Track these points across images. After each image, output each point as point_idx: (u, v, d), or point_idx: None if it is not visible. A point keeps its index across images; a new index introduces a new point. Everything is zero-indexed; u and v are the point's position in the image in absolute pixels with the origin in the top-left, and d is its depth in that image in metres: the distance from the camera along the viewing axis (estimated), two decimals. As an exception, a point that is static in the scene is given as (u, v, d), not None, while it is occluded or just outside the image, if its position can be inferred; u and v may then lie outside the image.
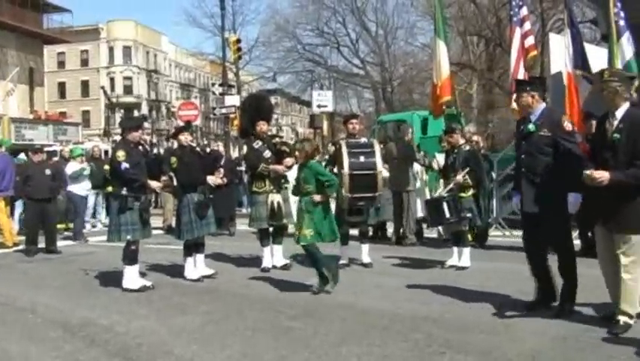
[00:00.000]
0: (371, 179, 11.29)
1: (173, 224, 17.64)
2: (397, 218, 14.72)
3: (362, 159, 11.34)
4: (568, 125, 7.83)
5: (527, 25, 14.58)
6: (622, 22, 12.39)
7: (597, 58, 14.13)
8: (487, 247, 13.66)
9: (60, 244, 16.30)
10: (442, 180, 12.23)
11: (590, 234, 11.98)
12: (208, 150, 12.78)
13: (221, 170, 11.73)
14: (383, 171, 12.27)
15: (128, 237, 10.20)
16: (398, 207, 14.58)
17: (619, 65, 12.23)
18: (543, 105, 7.99)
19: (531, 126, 7.86)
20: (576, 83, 13.13)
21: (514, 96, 9.06)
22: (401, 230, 14.71)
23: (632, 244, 6.94)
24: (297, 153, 10.01)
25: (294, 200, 11.93)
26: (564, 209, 7.59)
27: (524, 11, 14.48)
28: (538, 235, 7.96)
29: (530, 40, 14.43)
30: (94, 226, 20.67)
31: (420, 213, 14.62)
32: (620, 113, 7.04)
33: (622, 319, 6.95)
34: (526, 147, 7.91)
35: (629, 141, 6.87)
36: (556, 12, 41.76)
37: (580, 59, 13.22)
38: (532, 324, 7.37)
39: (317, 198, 9.47)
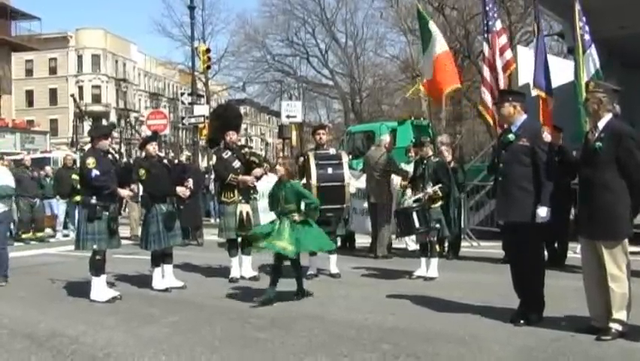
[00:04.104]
0: (338, 191, 11.32)
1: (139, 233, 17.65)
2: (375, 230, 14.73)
3: (330, 170, 11.38)
4: (547, 137, 7.93)
5: (504, 39, 14.63)
6: (587, 37, 12.56)
7: (563, 71, 14.31)
8: (456, 258, 13.73)
9: (26, 253, 16.20)
10: (409, 191, 12.25)
11: (556, 245, 12.13)
12: (176, 161, 12.71)
13: (190, 180, 11.69)
14: (355, 182, 12.33)
15: (94, 246, 10.11)
16: (375, 220, 14.61)
17: (585, 77, 12.39)
18: (524, 116, 8.07)
19: (511, 136, 7.95)
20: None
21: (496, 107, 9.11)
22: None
23: (616, 253, 7.05)
24: (278, 167, 9.95)
25: (261, 209, 11.97)
26: (535, 219, 7.66)
27: (499, 24, 14.52)
28: (514, 244, 8.05)
29: (508, 55, 14.46)
30: (66, 235, 20.55)
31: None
32: (602, 123, 7.17)
33: (614, 326, 7.03)
34: (505, 157, 7.99)
35: (609, 149, 7.00)
36: (524, 25, 42.14)
37: (542, 77, 13.35)
38: (500, 334, 7.41)
39: (298, 218, 9.44)
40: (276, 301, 9.37)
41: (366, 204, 14.95)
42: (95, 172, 9.97)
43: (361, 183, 14.87)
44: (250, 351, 7.16)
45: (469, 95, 46.68)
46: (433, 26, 14.95)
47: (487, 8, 14.54)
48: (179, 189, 11.13)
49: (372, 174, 14.29)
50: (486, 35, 14.74)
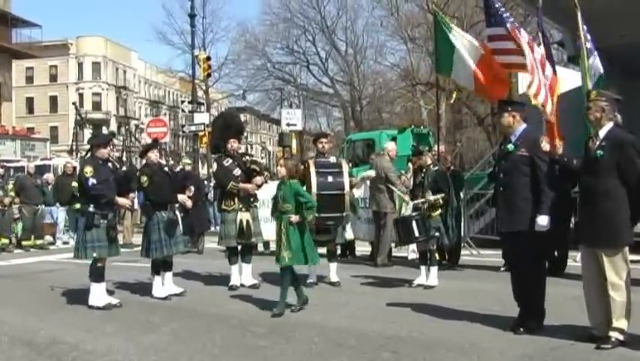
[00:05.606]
0: (338, 199, 11.33)
1: (133, 241, 17.66)
2: (376, 239, 14.65)
3: (330, 179, 11.39)
4: (545, 146, 7.93)
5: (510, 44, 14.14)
6: (588, 45, 12.52)
7: (564, 79, 14.24)
8: (456, 266, 13.69)
9: (26, 260, 16.20)
10: (409, 200, 12.24)
11: (556, 253, 12.12)
12: (177, 168, 12.74)
13: (192, 188, 11.71)
14: (356, 190, 12.28)
15: (94, 254, 10.11)
16: (377, 229, 14.54)
17: (590, 83, 12.35)
18: (524, 126, 8.09)
19: (510, 146, 7.98)
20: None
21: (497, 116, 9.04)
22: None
23: (617, 261, 7.06)
24: (278, 168, 9.99)
25: (262, 217, 11.98)
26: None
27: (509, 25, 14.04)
28: (516, 253, 8.06)
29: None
30: (66, 243, 20.55)
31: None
32: (603, 132, 7.19)
33: (614, 335, 7.03)
34: (505, 167, 8.02)
35: (611, 157, 7.02)
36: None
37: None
38: (499, 343, 7.41)
39: (294, 218, 9.39)
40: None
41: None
42: (92, 181, 9.96)
43: (362, 191, 14.90)
44: (249, 359, 7.16)
45: (469, 103, 46.70)
46: (458, 33, 14.46)
47: (497, 5, 13.84)
48: (181, 197, 11.16)
49: (375, 182, 14.27)
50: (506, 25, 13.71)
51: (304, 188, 11.08)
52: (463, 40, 14.12)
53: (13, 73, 66.89)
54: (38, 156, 44.59)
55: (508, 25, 12.73)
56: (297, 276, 9.70)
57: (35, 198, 20.35)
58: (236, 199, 11.49)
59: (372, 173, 14.07)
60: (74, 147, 59.51)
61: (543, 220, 7.57)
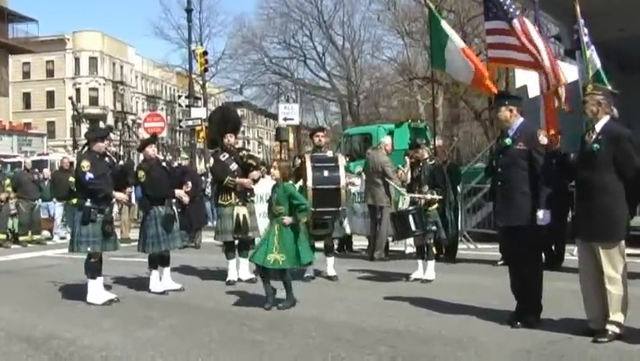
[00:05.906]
0: (334, 193, 11.32)
1: (130, 236, 17.64)
2: (373, 233, 14.64)
3: (326, 173, 11.37)
4: (543, 139, 7.93)
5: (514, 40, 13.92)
6: (586, 39, 12.50)
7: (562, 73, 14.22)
8: (453, 260, 13.69)
9: (23, 256, 16.17)
10: (406, 194, 12.25)
11: (553, 247, 12.14)
12: (175, 163, 12.72)
13: (189, 183, 11.70)
14: (355, 182, 12.27)
15: (88, 249, 10.06)
16: (373, 223, 14.52)
17: (589, 77, 12.32)
18: (521, 120, 8.08)
19: (508, 140, 7.96)
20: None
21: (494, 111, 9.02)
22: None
23: (613, 255, 7.07)
24: (272, 170, 9.99)
25: (259, 212, 11.99)
26: (536, 222, 7.67)
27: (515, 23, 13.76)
28: (513, 247, 8.08)
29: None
30: (63, 238, 20.52)
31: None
32: (599, 126, 7.19)
33: (611, 328, 7.04)
34: (503, 161, 8.01)
35: (607, 151, 7.03)
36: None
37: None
38: (497, 337, 7.41)
39: (287, 220, 9.38)
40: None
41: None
42: (89, 175, 9.92)
43: (359, 186, 14.89)
44: (247, 354, 7.16)
45: (466, 97, 46.68)
46: (446, 26, 14.46)
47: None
48: (178, 192, 11.15)
49: (372, 176, 14.26)
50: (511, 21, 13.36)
51: (300, 182, 11.12)
52: (453, 36, 14.11)
53: (10, 68, 66.81)
54: (35, 152, 44.54)
55: (515, 20, 12.65)
56: (290, 281, 9.65)
57: (32, 194, 20.33)
58: (233, 194, 11.48)
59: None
60: (74, 143, 59.46)
61: (542, 214, 7.58)
